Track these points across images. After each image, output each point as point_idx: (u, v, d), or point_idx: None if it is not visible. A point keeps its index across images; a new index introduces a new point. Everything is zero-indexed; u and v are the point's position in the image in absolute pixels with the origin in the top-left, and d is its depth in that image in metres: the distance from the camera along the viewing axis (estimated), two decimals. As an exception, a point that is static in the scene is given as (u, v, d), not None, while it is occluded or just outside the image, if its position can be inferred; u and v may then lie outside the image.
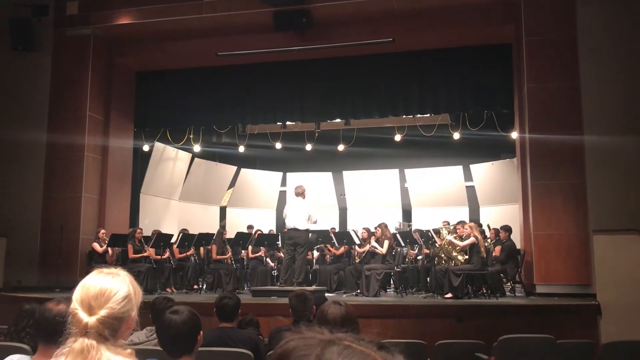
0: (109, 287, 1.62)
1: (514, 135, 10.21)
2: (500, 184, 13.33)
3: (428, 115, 12.35)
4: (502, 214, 12.30)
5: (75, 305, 1.58)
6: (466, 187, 14.40)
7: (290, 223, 9.14)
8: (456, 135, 13.25)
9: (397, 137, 13.89)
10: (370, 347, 0.83)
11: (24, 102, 10.27)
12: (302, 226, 9.07)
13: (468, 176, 14.42)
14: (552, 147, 8.30)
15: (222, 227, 11.87)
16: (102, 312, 1.57)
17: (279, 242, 11.03)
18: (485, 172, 14.06)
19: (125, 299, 1.62)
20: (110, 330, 1.56)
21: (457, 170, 14.44)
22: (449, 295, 8.21)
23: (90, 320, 1.55)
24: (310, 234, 9.55)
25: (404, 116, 12.35)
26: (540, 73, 8.57)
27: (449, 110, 11.51)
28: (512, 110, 9.88)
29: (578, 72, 8.37)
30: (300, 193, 9.33)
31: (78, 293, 1.61)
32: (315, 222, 9.28)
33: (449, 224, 10.24)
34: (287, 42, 10.10)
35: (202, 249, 10.91)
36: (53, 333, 2.03)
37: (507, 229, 9.14)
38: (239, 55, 10.73)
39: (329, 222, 13.87)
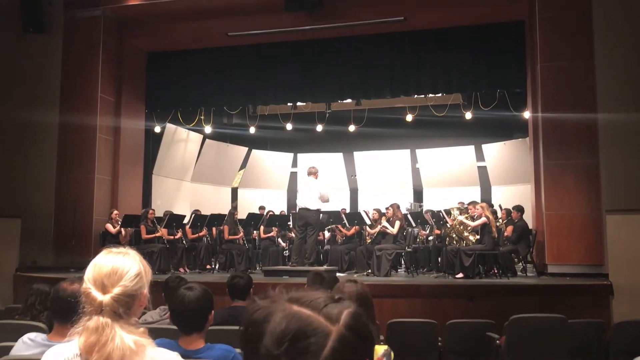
0: (121, 265, 1.63)
1: (527, 114, 10.12)
2: (512, 164, 13.25)
3: (440, 95, 12.26)
4: (514, 194, 12.24)
5: (88, 284, 1.60)
6: (478, 167, 14.33)
7: (301, 203, 9.17)
8: (468, 115, 13.13)
9: (409, 117, 13.83)
10: (317, 307, 0.87)
11: (35, 83, 10.30)
12: (313, 206, 9.08)
13: (480, 156, 14.34)
14: (565, 126, 8.21)
15: (234, 207, 11.93)
16: (116, 290, 1.58)
17: (290, 223, 11.07)
18: (497, 152, 13.98)
19: (137, 277, 1.64)
20: (124, 307, 1.58)
21: (469, 150, 14.36)
22: (460, 275, 8.22)
23: (104, 298, 1.57)
24: (321, 215, 9.56)
25: (416, 96, 12.25)
26: (553, 51, 8.44)
27: (461, 89, 11.38)
28: (525, 90, 9.78)
29: (592, 49, 8.23)
30: (312, 173, 9.33)
31: (90, 272, 1.63)
32: (327, 201, 9.28)
33: (463, 204, 10.21)
34: (298, 21, 10.02)
35: (214, 229, 11.00)
36: (68, 312, 2.06)
37: (519, 209, 9.12)
38: (249, 36, 10.66)
39: (339, 202, 13.89)
